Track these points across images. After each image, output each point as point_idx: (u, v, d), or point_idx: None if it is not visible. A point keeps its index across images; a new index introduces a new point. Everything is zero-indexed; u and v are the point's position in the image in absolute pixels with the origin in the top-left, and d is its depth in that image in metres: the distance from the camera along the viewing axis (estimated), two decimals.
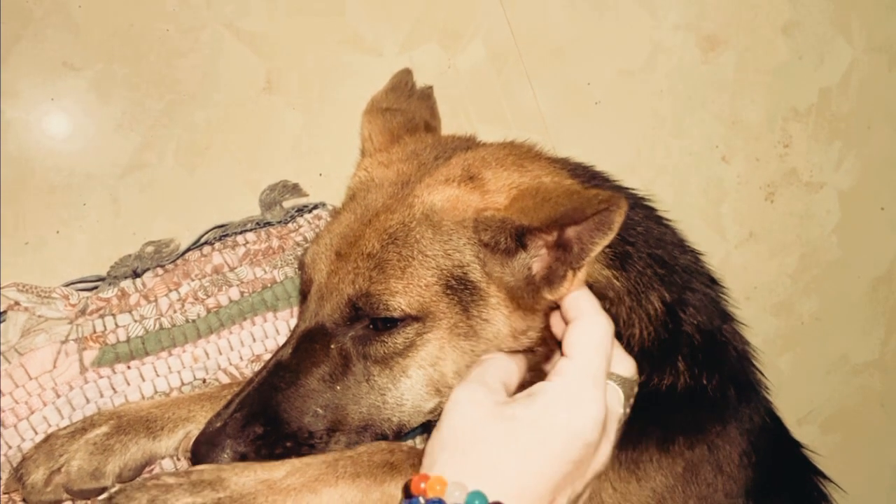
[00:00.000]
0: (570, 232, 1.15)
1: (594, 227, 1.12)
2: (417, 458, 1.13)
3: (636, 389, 1.14)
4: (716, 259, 1.50)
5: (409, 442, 1.44)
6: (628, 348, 1.29)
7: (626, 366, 1.14)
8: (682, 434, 1.33)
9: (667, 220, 1.46)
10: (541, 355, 1.26)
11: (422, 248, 1.21)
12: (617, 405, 1.08)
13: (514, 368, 1.16)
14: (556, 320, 1.21)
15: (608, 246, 1.26)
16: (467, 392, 1.05)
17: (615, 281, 1.31)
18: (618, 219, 1.10)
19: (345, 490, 1.11)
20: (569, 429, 1.00)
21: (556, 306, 1.20)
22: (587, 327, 1.09)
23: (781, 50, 2.15)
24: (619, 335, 1.29)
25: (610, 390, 1.08)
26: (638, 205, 1.44)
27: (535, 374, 1.22)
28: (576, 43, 1.92)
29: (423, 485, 0.96)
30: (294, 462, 1.14)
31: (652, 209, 1.46)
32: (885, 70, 2.28)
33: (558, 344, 1.18)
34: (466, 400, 1.04)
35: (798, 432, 1.59)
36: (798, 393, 2.33)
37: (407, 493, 0.98)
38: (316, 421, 1.19)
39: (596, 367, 1.05)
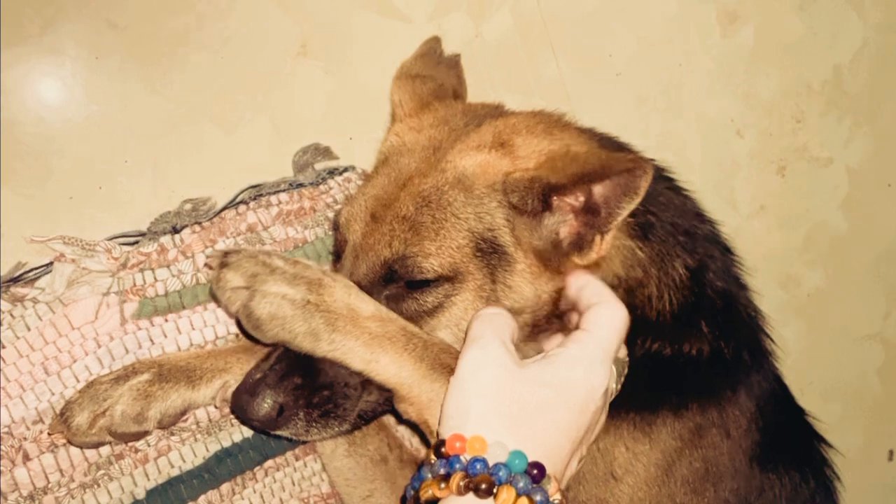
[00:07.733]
0: (598, 196, 1.19)
1: (621, 191, 1.16)
2: None
3: (626, 371, 1.22)
4: (727, 230, 1.53)
5: None
6: (659, 317, 1.36)
7: (621, 349, 1.22)
8: (696, 400, 1.37)
9: (686, 190, 1.50)
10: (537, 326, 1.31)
11: (454, 211, 1.25)
12: (612, 382, 1.15)
13: (515, 326, 1.19)
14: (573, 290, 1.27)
15: (632, 215, 1.31)
16: (492, 352, 1.08)
17: (639, 252, 1.35)
18: (643, 183, 1.14)
19: (404, 364, 1.16)
20: (586, 389, 1.08)
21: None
22: (612, 311, 1.16)
23: (797, 26, 2.17)
24: (648, 307, 1.36)
25: None
26: (660, 176, 1.47)
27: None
28: (599, 15, 1.94)
29: (458, 444, 0.98)
30: (381, 308, 1.21)
31: (672, 180, 1.49)
32: None
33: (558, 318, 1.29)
34: (493, 360, 1.07)
35: (800, 401, 1.62)
36: (801, 363, 2.37)
37: (438, 452, 1.00)
38: (351, 375, 1.20)
39: (610, 345, 1.13)
